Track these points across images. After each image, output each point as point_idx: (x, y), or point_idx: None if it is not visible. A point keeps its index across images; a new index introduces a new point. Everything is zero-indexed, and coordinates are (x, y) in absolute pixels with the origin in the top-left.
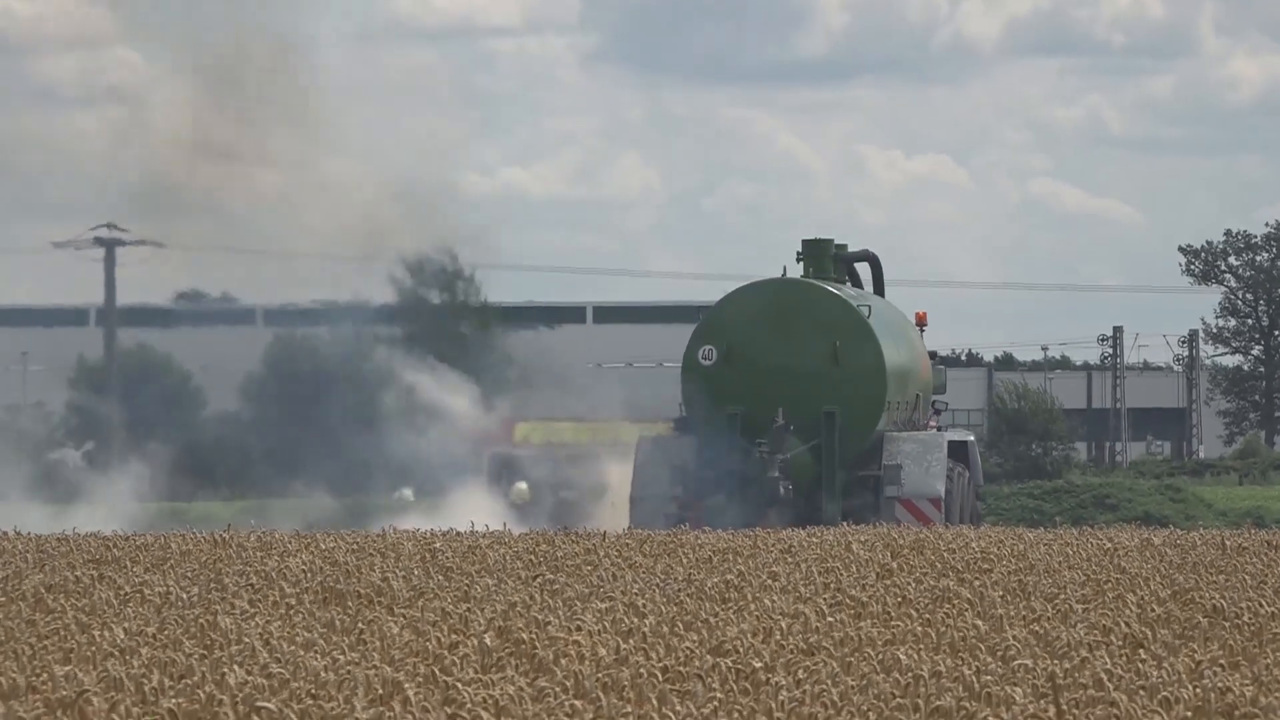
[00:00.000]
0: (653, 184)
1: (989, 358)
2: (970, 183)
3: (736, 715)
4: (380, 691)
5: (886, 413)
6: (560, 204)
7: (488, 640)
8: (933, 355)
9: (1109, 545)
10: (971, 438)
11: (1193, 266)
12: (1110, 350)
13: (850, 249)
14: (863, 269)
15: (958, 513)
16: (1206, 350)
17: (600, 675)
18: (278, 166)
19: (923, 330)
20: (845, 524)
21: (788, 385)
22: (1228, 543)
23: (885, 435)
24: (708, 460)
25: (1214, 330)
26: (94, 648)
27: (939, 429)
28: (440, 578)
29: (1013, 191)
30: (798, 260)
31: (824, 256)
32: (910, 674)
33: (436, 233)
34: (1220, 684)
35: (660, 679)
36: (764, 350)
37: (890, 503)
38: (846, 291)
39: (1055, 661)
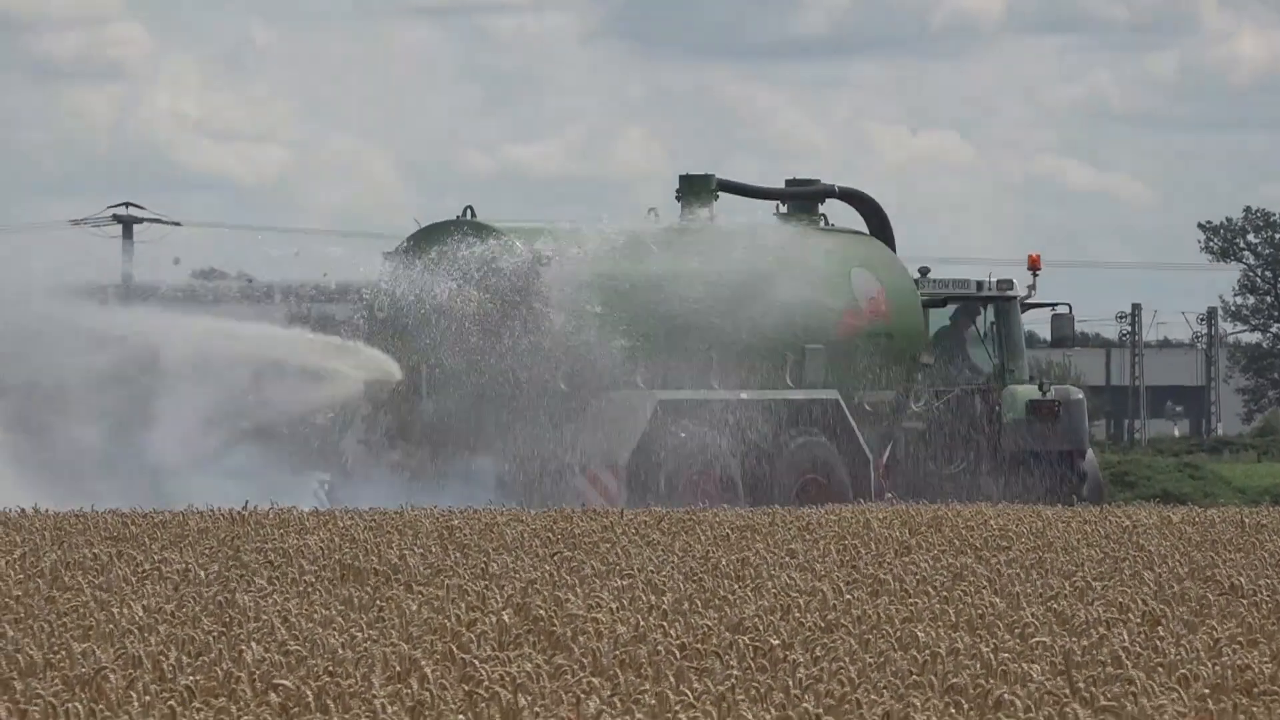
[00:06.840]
0: (658, 160)
1: None
2: (978, 159)
3: (754, 692)
4: (398, 669)
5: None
6: (565, 181)
7: (505, 618)
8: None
9: (1128, 523)
10: (1080, 396)
11: (1212, 243)
12: (1129, 328)
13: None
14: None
15: (689, 486)
16: (1225, 327)
17: (618, 652)
18: (282, 144)
19: (1035, 276)
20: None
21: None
22: (1246, 520)
23: (601, 398)
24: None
25: (1232, 308)
26: (112, 625)
27: (1043, 388)
28: (458, 555)
29: (1020, 168)
30: (676, 198)
31: (703, 192)
32: (928, 651)
33: (445, 208)
34: (1239, 661)
35: (678, 656)
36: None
37: (569, 469)
38: (537, 234)
39: (1073, 639)
